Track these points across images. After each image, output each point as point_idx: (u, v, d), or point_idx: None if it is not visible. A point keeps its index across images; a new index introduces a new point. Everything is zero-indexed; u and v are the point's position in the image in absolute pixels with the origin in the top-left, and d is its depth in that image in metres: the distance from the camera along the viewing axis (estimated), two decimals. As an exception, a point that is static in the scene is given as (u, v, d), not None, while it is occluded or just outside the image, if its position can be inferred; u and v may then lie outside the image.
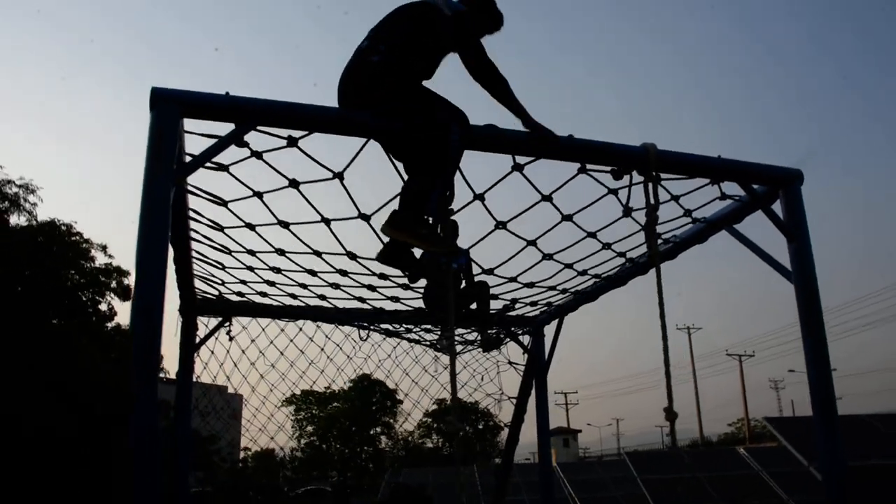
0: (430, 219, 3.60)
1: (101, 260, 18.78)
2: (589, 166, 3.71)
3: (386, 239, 3.61)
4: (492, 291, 5.68)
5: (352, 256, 4.26)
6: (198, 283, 5.48)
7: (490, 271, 4.80)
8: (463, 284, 6.05)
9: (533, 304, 5.83)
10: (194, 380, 6.21)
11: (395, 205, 3.58)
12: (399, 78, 3.39)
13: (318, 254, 4.30)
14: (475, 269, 5.67)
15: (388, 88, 3.33)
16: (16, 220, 17.48)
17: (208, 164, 3.27)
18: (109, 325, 19.30)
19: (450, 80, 3.73)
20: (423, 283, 5.51)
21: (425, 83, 3.58)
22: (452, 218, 5.52)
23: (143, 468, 2.64)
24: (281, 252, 4.33)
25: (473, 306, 6.06)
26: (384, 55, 3.35)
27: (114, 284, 18.98)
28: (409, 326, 6.39)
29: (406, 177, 3.57)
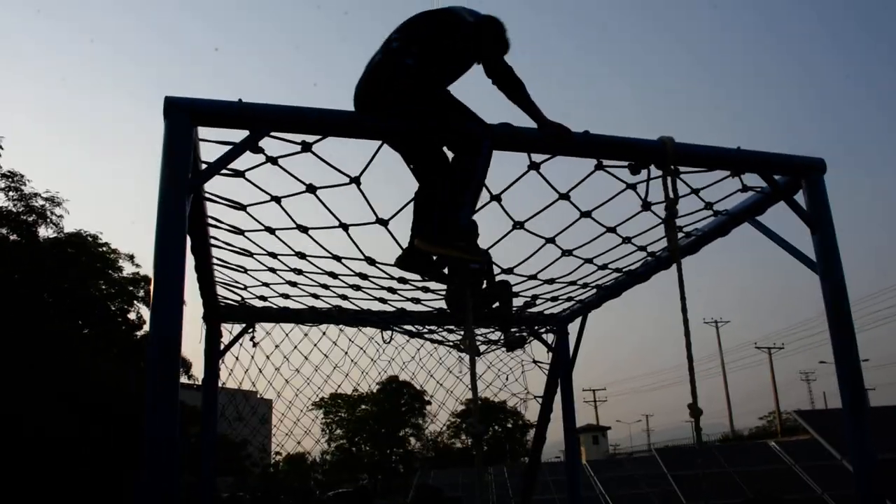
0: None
1: (128, 269, 19.07)
2: (606, 162, 3.67)
3: (404, 243, 3.61)
4: (513, 289, 5.65)
5: (370, 262, 4.26)
6: (220, 290, 5.51)
7: (510, 270, 4.78)
8: (484, 285, 6.02)
9: (554, 299, 5.79)
10: (223, 385, 6.27)
11: (411, 208, 3.58)
12: (432, 84, 3.39)
13: (337, 258, 4.30)
14: (495, 269, 5.65)
15: (421, 93, 3.32)
16: (44, 232, 17.78)
17: (224, 171, 3.28)
18: (139, 333, 19.56)
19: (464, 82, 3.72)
20: (445, 284, 5.51)
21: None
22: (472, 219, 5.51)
23: (158, 478, 2.65)
24: (301, 255, 4.33)
25: (495, 306, 6.04)
26: (417, 58, 3.34)
27: (141, 293, 19.23)
28: (433, 327, 6.38)
29: (419, 183, 3.57)
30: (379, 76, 3.35)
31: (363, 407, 54.76)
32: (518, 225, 3.96)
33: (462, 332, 6.38)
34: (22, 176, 17.35)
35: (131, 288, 18.78)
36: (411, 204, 3.68)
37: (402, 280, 4.78)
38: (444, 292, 5.53)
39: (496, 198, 3.74)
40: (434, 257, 3.72)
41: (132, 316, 19.29)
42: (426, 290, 5.15)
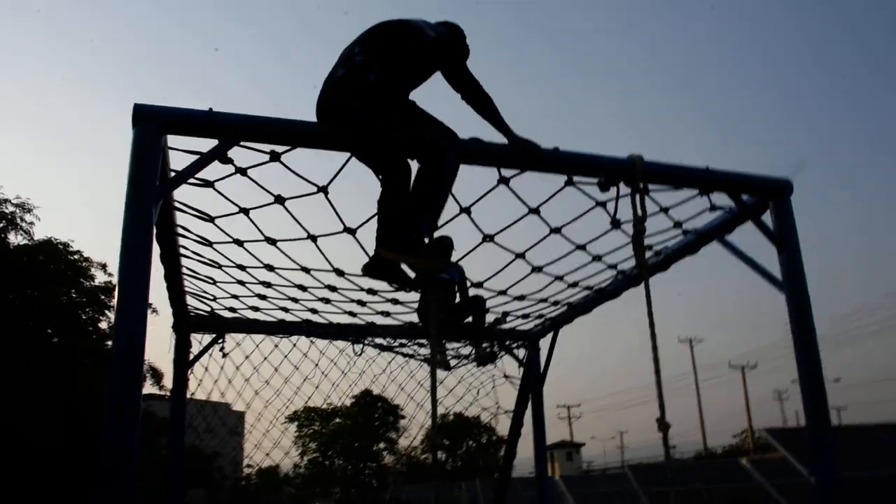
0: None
1: (100, 278, 18.82)
2: (576, 178, 3.69)
3: (371, 252, 3.60)
4: (486, 304, 5.66)
5: (339, 273, 4.25)
6: (190, 300, 5.47)
7: (480, 285, 4.79)
8: (458, 299, 6.03)
9: (525, 316, 5.81)
10: (192, 397, 6.22)
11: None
12: (395, 97, 3.39)
13: (306, 270, 4.29)
14: (466, 283, 5.67)
15: (385, 107, 3.32)
16: (13, 239, 17.54)
17: (193, 181, 3.27)
18: (110, 343, 19.30)
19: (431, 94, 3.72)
20: (415, 296, 5.51)
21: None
22: (448, 234, 5.51)
23: (117, 486, 2.62)
24: (270, 268, 4.32)
25: (469, 320, 6.05)
26: (379, 74, 3.33)
27: (113, 303, 19.00)
28: (403, 341, 6.37)
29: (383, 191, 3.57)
30: (342, 91, 3.33)
31: (337, 420, 54.38)
32: (488, 238, 3.97)
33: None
34: (-7, 183, 17.14)
35: (103, 297, 18.52)
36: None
37: (371, 292, 4.77)
38: (414, 305, 5.53)
39: (465, 210, 3.75)
40: (402, 265, 3.71)
41: (104, 325, 19.04)
42: (396, 302, 5.15)
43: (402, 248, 3.42)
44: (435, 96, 3.70)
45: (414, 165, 3.47)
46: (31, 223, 17.71)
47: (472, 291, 5.53)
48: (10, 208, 17.40)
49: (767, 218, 4.06)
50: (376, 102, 3.29)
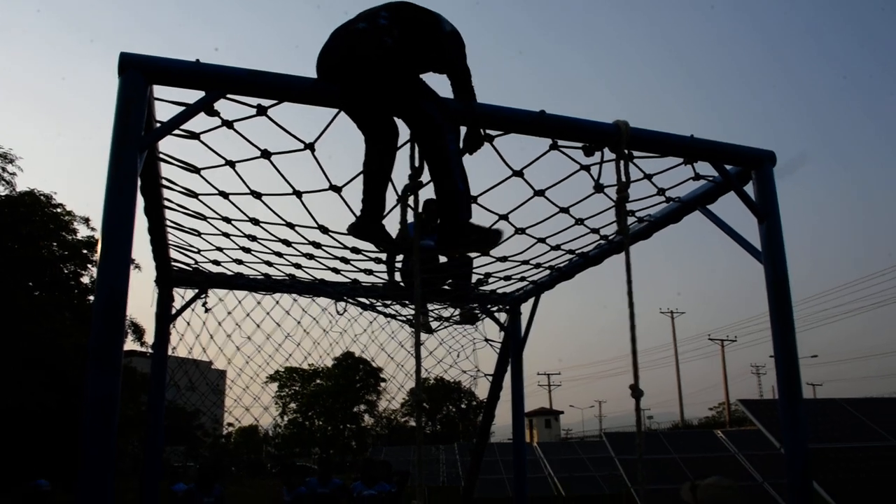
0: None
1: (83, 233, 18.71)
2: (561, 143, 3.71)
3: (356, 211, 3.61)
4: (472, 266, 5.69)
5: (324, 230, 4.25)
6: (174, 254, 5.47)
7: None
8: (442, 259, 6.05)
9: (507, 278, 5.84)
10: (174, 353, 6.23)
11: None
12: (409, 69, 3.39)
13: (290, 226, 4.29)
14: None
15: (397, 75, 3.31)
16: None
17: (178, 132, 3.26)
18: (91, 298, 19.25)
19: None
20: (400, 257, 5.53)
21: None
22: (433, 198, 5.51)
23: (99, 434, 2.65)
24: (255, 222, 4.31)
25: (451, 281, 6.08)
26: (397, 41, 3.33)
27: (96, 257, 18.89)
28: (386, 301, 6.40)
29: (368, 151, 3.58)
30: (355, 43, 3.30)
31: (318, 381, 54.71)
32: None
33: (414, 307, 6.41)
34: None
35: (85, 251, 18.41)
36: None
37: (355, 250, 4.79)
38: (399, 265, 5.56)
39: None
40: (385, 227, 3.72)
41: (85, 280, 18.97)
42: (379, 261, 5.16)
43: (460, 243, 3.55)
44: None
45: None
46: (14, 174, 17.57)
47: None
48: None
49: (750, 189, 4.11)
50: (406, 65, 3.30)
